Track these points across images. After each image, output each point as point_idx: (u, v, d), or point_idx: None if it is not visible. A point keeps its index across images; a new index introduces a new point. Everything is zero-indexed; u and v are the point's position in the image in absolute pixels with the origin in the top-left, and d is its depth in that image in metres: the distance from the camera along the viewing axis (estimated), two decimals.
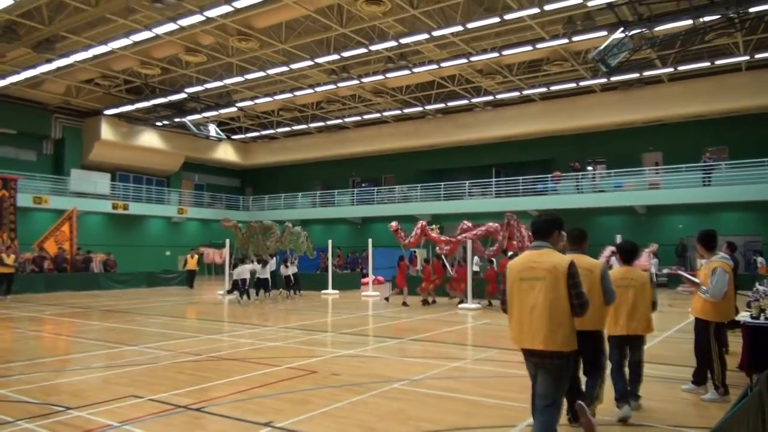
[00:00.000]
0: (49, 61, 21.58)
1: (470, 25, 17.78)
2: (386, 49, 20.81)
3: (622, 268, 5.88)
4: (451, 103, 27.24)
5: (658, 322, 6.90)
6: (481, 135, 29.03)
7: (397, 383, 6.99)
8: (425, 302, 17.52)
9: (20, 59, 22.07)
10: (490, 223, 17.51)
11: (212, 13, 17.17)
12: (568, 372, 4.07)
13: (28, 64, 22.33)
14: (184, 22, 17.84)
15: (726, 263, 6.13)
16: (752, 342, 6.36)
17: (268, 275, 18.60)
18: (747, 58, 20.70)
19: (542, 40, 19.38)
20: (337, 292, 21.77)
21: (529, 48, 19.89)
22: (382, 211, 30.21)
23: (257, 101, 27.24)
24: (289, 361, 8.44)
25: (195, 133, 30.95)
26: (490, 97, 26.33)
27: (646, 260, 20.60)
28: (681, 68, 21.98)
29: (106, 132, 29.35)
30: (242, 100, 27.34)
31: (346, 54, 20.63)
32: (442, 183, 29.53)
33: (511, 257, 17.12)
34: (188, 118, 28.85)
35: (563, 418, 4.51)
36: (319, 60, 21.33)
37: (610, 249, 16.64)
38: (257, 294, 18.83)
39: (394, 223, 18.51)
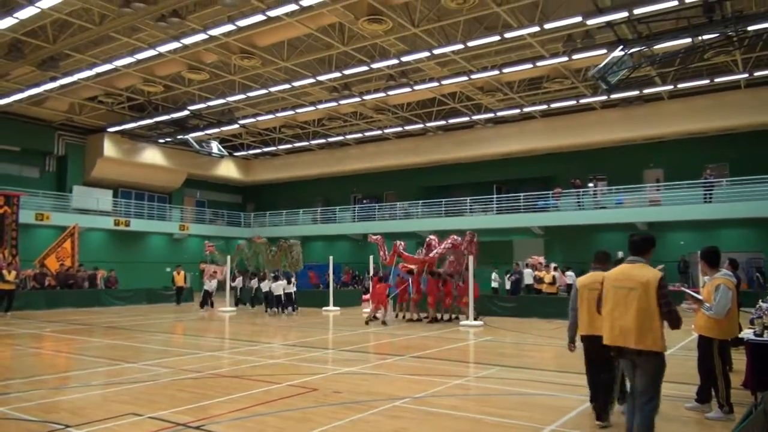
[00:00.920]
0: (53, 79, 21.77)
1: (471, 44, 17.94)
2: (387, 67, 20.97)
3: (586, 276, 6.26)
4: (451, 120, 27.37)
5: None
6: (481, 152, 29.13)
7: (399, 401, 6.94)
8: (414, 320, 17.34)
9: (24, 77, 22.26)
10: (454, 236, 17.45)
11: (215, 31, 17.35)
12: (662, 369, 4.63)
13: (32, 81, 22.52)
14: (188, 40, 18.01)
15: (729, 280, 6.11)
16: (756, 359, 6.33)
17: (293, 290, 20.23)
18: (746, 75, 20.82)
19: (542, 58, 19.54)
20: (338, 308, 21.70)
21: (530, 66, 20.04)
22: (384, 228, 30.18)
23: (259, 118, 27.39)
24: (289, 378, 8.39)
25: (197, 150, 31.08)
26: (491, 114, 26.46)
27: None
28: (681, 86, 22.12)
29: (109, 149, 29.48)
30: (244, 117, 27.49)
31: (347, 72, 20.79)
32: (444, 199, 29.56)
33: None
34: (190, 135, 28.99)
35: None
36: (321, 78, 21.49)
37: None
38: (278, 309, 20.13)
39: (377, 237, 18.48)
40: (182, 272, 24.28)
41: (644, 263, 4.77)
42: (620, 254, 15.99)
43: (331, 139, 31.71)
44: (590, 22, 15.95)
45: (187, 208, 35.55)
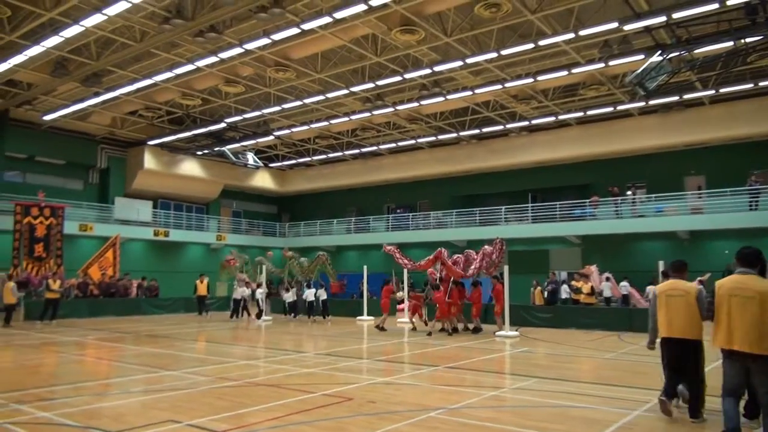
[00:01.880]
0: (96, 94, 22.54)
1: (504, 52, 17.83)
2: (420, 77, 21.01)
3: (665, 283, 6.83)
4: (485, 129, 27.20)
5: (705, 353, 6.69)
6: (516, 160, 28.85)
7: (434, 412, 6.88)
8: (444, 330, 16.93)
9: (69, 93, 23.09)
10: (486, 247, 17.61)
11: (251, 45, 17.68)
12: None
13: (76, 97, 23.35)
14: (225, 54, 18.40)
15: None
16: None
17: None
18: None
19: (578, 64, 19.28)
20: (371, 318, 21.69)
21: (565, 73, 19.80)
22: (417, 237, 30.14)
23: (294, 129, 27.74)
24: (324, 387, 8.41)
25: (233, 162, 31.64)
26: (525, 123, 26.20)
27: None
28: (723, 90, 21.49)
29: (149, 161, 30.28)
30: (279, 128, 27.89)
31: (380, 82, 20.90)
32: (477, 209, 29.34)
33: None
34: (227, 147, 29.55)
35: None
36: (355, 88, 21.66)
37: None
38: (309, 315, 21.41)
39: (391, 247, 18.51)
40: (205, 281, 24.05)
41: (755, 274, 5.27)
42: (661, 264, 15.64)
43: (364, 150, 31.88)
44: (627, 27, 15.68)
45: (224, 218, 36.16)
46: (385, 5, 15.32)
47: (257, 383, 8.85)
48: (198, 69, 19.96)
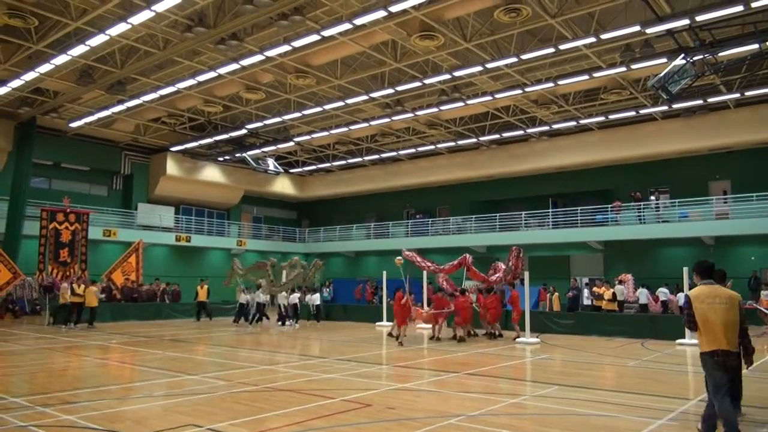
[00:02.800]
0: (120, 101, 22.94)
1: (524, 57, 17.73)
2: (440, 82, 20.99)
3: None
4: (505, 134, 27.05)
5: None
6: (536, 165, 28.63)
7: (454, 419, 6.83)
8: (455, 338, 16.25)
9: (94, 101, 23.53)
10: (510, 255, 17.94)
11: (272, 52, 17.84)
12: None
13: (101, 105, 23.78)
14: (246, 61, 18.60)
15: None
16: None
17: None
18: None
19: (599, 68, 19.09)
20: (390, 323, 21.61)
21: (586, 77, 19.62)
22: (437, 243, 30.05)
23: (314, 135, 27.89)
24: (343, 393, 8.40)
25: (254, 168, 31.92)
26: (546, 127, 26.00)
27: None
28: (748, 93, 21.09)
29: (171, 167, 30.69)
30: (299, 134, 28.07)
31: (400, 88, 20.93)
32: (498, 214, 29.16)
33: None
34: (248, 153, 29.84)
35: None
36: (374, 94, 21.71)
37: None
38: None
39: (410, 252, 18.39)
40: (206, 287, 23.50)
41: (715, 284, 5.68)
42: (685, 270, 15.38)
43: (384, 155, 31.93)
44: (649, 30, 15.49)
45: (244, 224, 36.46)
46: (404, 11, 15.35)
47: (276, 388, 8.88)
48: (219, 76, 20.20)
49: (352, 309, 25.20)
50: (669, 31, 15.41)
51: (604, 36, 16.16)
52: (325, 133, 27.47)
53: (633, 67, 18.44)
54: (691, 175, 25.39)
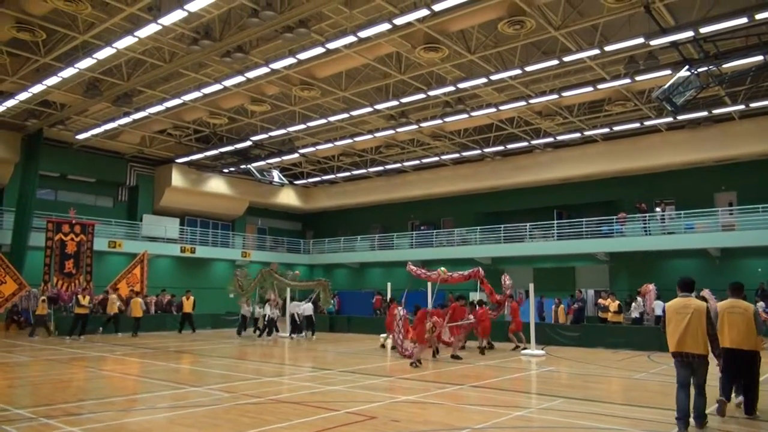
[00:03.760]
0: (126, 114, 23.09)
1: (528, 68, 17.78)
2: (444, 94, 21.06)
3: (725, 302, 7.85)
4: (510, 146, 27.05)
5: None
6: (541, 177, 28.60)
7: None
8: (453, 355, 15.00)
9: (101, 113, 23.71)
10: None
11: (277, 65, 17.95)
12: (707, 368, 6.77)
13: (107, 117, 23.95)
14: (251, 74, 18.71)
15: None
16: None
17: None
18: None
19: (603, 80, 19.11)
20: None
21: (590, 89, 19.63)
22: (442, 254, 29.99)
23: (318, 147, 27.98)
24: (348, 405, 8.36)
25: (259, 179, 31.99)
26: (550, 139, 25.99)
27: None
28: (753, 105, 21.06)
29: (177, 179, 30.80)
30: (304, 146, 28.16)
31: (404, 100, 21.00)
32: (502, 226, 29.11)
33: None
34: (253, 165, 29.92)
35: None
36: (379, 106, 21.79)
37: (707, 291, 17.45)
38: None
39: (413, 267, 18.06)
40: (192, 298, 23.39)
41: (692, 296, 6.97)
42: (679, 279, 15.28)
43: (388, 167, 31.98)
44: (653, 42, 15.51)
45: (249, 235, 36.50)
46: (409, 24, 15.45)
47: (281, 400, 8.84)
48: (225, 88, 20.32)
49: (357, 321, 25.13)
50: (673, 43, 15.44)
51: (608, 48, 16.19)
52: (330, 145, 27.54)
53: (637, 78, 18.45)
54: (697, 186, 25.32)
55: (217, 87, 20.02)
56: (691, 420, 6.75)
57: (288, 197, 37.15)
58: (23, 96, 20.82)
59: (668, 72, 17.10)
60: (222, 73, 19.36)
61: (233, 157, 29.40)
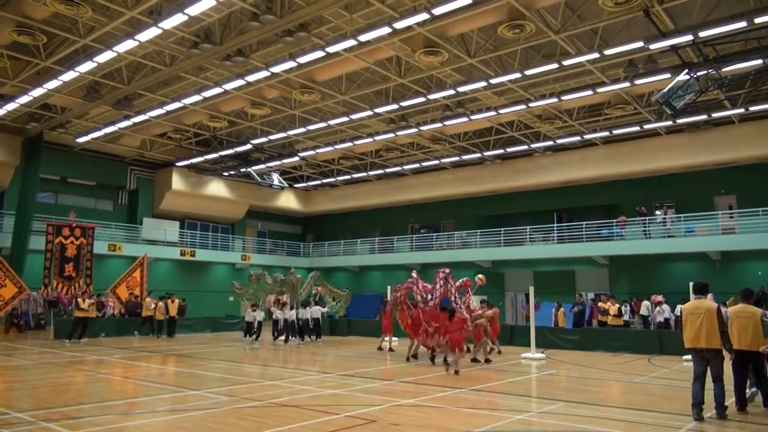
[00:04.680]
0: (126, 117, 23.13)
1: (528, 72, 17.82)
2: (444, 98, 21.09)
3: (735, 307, 8.40)
4: (510, 149, 27.09)
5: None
6: (541, 180, 28.63)
7: None
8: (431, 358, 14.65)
9: (101, 116, 23.74)
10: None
11: (277, 68, 18.00)
12: (721, 361, 7.61)
13: (108, 120, 23.99)
14: (251, 77, 18.76)
15: None
16: None
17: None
18: None
19: (603, 84, 19.16)
20: (396, 339, 21.50)
21: (590, 92, 19.69)
22: (442, 258, 29.96)
23: (318, 150, 28.02)
24: (348, 409, 8.35)
25: (259, 182, 32.03)
26: (550, 142, 26.04)
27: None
28: (753, 108, 21.10)
29: (177, 182, 30.83)
30: (304, 149, 28.19)
31: (404, 103, 21.04)
32: (502, 229, 29.12)
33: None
34: (253, 168, 29.96)
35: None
36: (379, 110, 21.83)
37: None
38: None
39: (415, 274, 16.25)
40: (177, 301, 22.92)
41: (705, 299, 8.06)
42: (691, 285, 15.25)
43: (388, 170, 32.00)
44: (653, 46, 15.56)
45: (249, 238, 36.51)
46: (409, 28, 15.49)
47: (280, 404, 8.83)
48: (225, 92, 20.37)
49: (357, 324, 25.10)
50: (673, 47, 15.48)
51: (607, 52, 16.25)
52: (330, 148, 27.58)
53: (637, 82, 18.51)
54: (697, 189, 25.34)
55: (217, 90, 20.07)
56: (713, 411, 7.65)
57: (288, 200, 37.16)
58: (24, 99, 20.87)
59: (668, 75, 17.13)
60: (222, 76, 19.40)
61: (233, 161, 29.43)
